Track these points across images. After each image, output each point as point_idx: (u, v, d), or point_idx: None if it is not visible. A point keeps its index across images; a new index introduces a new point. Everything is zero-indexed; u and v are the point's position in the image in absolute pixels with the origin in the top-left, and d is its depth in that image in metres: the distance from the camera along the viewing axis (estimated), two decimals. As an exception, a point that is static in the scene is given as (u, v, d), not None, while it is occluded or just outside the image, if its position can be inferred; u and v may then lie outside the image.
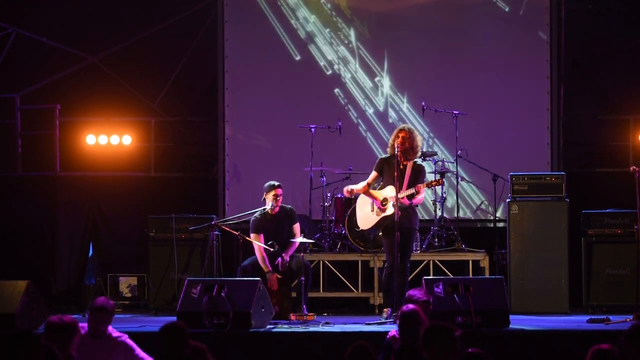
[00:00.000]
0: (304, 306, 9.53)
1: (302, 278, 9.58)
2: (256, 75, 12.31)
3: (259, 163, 12.19)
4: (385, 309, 9.37)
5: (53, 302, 11.15)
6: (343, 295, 10.99)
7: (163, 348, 5.74)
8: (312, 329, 8.78)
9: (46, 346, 5.53)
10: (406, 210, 9.25)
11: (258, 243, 9.77)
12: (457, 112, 11.30)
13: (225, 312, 8.50)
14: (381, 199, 9.38)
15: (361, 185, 9.57)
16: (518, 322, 9.03)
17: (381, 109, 12.12)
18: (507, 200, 10.54)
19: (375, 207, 9.43)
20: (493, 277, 9.76)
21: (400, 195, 9.14)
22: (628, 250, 10.31)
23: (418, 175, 9.37)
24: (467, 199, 11.79)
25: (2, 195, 12.03)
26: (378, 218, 9.41)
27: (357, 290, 10.86)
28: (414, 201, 9.29)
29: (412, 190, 9.20)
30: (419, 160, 9.50)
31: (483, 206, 11.63)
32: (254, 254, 9.91)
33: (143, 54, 12.58)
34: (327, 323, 9.11)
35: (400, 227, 9.07)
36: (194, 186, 12.43)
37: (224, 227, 10.03)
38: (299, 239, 9.80)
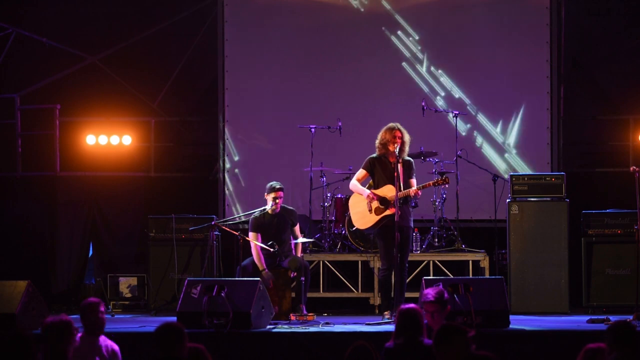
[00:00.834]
0: (304, 306, 9.53)
1: (302, 278, 9.58)
2: (256, 75, 12.31)
3: (259, 163, 12.19)
4: (385, 312, 9.35)
5: (53, 302, 11.15)
6: (343, 295, 10.99)
7: (159, 349, 5.71)
8: (312, 329, 8.78)
9: (45, 347, 5.53)
10: (403, 210, 9.25)
11: (255, 242, 9.77)
12: (457, 112, 11.30)
13: (225, 312, 8.50)
14: (381, 198, 9.37)
15: (357, 183, 9.55)
16: (518, 322, 9.03)
17: (381, 108, 12.10)
18: (507, 200, 10.54)
19: (374, 207, 9.41)
20: (493, 277, 9.75)
21: (400, 195, 9.14)
22: (628, 250, 10.31)
23: (410, 170, 9.41)
24: (468, 199, 11.78)
25: (2, 195, 12.04)
26: (378, 217, 9.40)
27: (357, 291, 10.86)
28: (418, 194, 9.33)
29: (409, 190, 9.19)
30: (406, 156, 9.50)
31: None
32: (254, 254, 9.93)
33: (143, 54, 12.58)
34: (327, 323, 9.11)
35: (400, 227, 9.07)
36: (194, 186, 12.44)
37: (224, 227, 10.04)
38: (302, 239, 9.81)
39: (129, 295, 11.12)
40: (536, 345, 8.38)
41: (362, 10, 12.23)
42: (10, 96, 12.22)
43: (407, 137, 9.38)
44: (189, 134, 12.95)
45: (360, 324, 9.10)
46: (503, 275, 9.93)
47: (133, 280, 11.18)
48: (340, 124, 11.40)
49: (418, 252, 10.79)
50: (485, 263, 10.77)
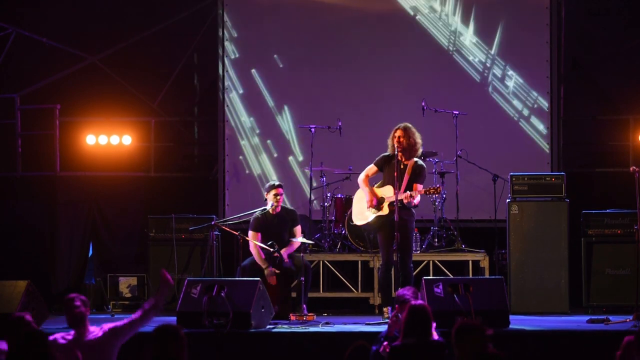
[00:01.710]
0: (304, 306, 9.53)
1: (302, 278, 9.58)
2: (256, 75, 12.30)
3: (259, 163, 12.18)
4: (385, 308, 9.36)
5: (53, 302, 11.14)
6: (343, 295, 10.98)
7: (155, 350, 5.68)
8: (312, 329, 8.78)
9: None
10: (403, 211, 9.23)
11: (254, 241, 9.77)
12: (457, 112, 11.30)
13: (225, 312, 8.50)
14: (379, 197, 9.39)
15: (364, 178, 9.55)
16: (518, 322, 9.03)
17: (380, 108, 12.11)
18: (507, 200, 10.54)
19: (369, 206, 9.42)
20: (493, 277, 9.76)
21: (388, 199, 9.17)
22: (628, 250, 10.30)
23: (418, 175, 9.37)
24: (468, 199, 11.78)
25: (2, 195, 12.03)
26: (373, 216, 9.42)
27: (357, 291, 10.86)
28: (413, 202, 9.28)
29: (409, 194, 9.17)
30: (420, 160, 9.49)
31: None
32: (253, 253, 9.93)
33: (143, 54, 12.58)
34: (327, 323, 9.11)
35: (398, 227, 9.06)
36: (194, 186, 12.43)
37: (223, 227, 10.04)
38: (299, 239, 9.81)
39: (129, 295, 11.12)
40: (536, 345, 8.38)
41: (362, 9, 12.24)
42: (10, 96, 12.21)
43: (414, 138, 9.31)
44: (189, 134, 12.95)
45: (360, 324, 9.10)
46: (503, 275, 9.94)
47: (133, 280, 11.18)
48: (340, 124, 11.40)
49: (418, 252, 10.78)
50: (485, 263, 10.77)
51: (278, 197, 9.86)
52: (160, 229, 11.03)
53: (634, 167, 9.65)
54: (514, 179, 10.56)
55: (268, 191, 9.91)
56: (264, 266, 9.76)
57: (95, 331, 6.60)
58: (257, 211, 9.98)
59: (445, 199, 11.17)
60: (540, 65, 11.96)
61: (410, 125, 9.43)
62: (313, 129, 11.37)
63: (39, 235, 11.93)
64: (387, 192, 9.35)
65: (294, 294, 9.96)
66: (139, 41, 12.56)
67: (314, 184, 11.33)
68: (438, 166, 11.17)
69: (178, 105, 12.84)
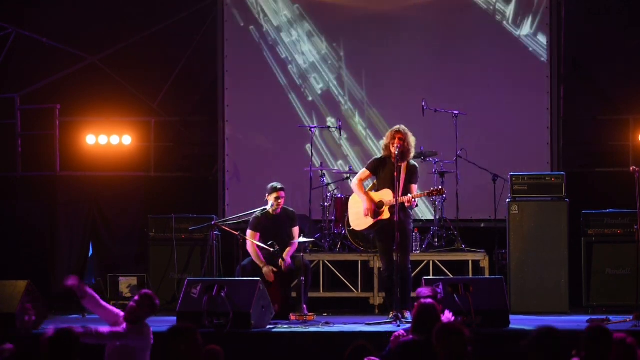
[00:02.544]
0: (304, 306, 9.53)
1: (302, 278, 9.58)
2: (256, 75, 12.31)
3: (259, 163, 12.19)
4: (391, 312, 9.33)
5: (53, 302, 11.14)
6: (343, 295, 10.98)
7: (172, 351, 5.66)
8: (312, 329, 8.79)
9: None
10: (401, 212, 9.23)
11: (252, 240, 9.78)
12: (457, 112, 11.30)
13: (225, 312, 8.50)
14: (377, 202, 9.36)
15: (358, 183, 9.53)
16: (518, 322, 9.03)
17: (381, 108, 12.11)
18: (507, 200, 10.54)
19: (368, 211, 9.40)
20: (493, 277, 9.77)
21: (387, 203, 9.15)
22: (628, 250, 10.31)
23: (412, 175, 9.38)
24: (467, 199, 11.78)
25: (2, 195, 12.03)
26: (373, 221, 9.40)
27: (357, 291, 10.86)
28: (415, 205, 9.31)
29: (403, 199, 9.17)
30: (412, 161, 9.50)
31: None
32: (253, 253, 9.93)
33: (143, 54, 12.58)
34: (327, 323, 9.11)
35: (399, 228, 9.06)
36: (194, 186, 12.43)
37: (223, 227, 10.04)
38: (300, 239, 9.81)
39: (129, 295, 11.10)
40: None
41: (362, 8, 12.24)
42: (10, 96, 12.21)
43: (410, 140, 9.33)
44: (189, 134, 12.95)
45: (360, 324, 9.10)
46: (503, 275, 9.95)
47: (133, 280, 11.18)
48: (340, 124, 11.39)
49: (418, 252, 10.78)
50: (485, 263, 10.77)
51: (279, 201, 9.86)
52: (160, 229, 11.03)
53: (634, 167, 9.65)
54: (514, 179, 10.56)
55: (270, 193, 9.91)
56: (261, 265, 9.77)
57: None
58: (257, 211, 9.98)
59: (445, 199, 11.17)
60: (540, 65, 11.96)
61: (406, 128, 9.44)
62: (313, 129, 11.37)
63: (39, 235, 11.93)
64: (385, 195, 9.32)
65: (294, 294, 9.95)
66: (139, 41, 12.56)
67: (314, 184, 11.33)
68: (438, 166, 11.16)
69: (178, 105, 12.84)
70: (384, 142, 9.46)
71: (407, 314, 9.05)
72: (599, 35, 12.36)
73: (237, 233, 9.68)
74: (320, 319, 9.54)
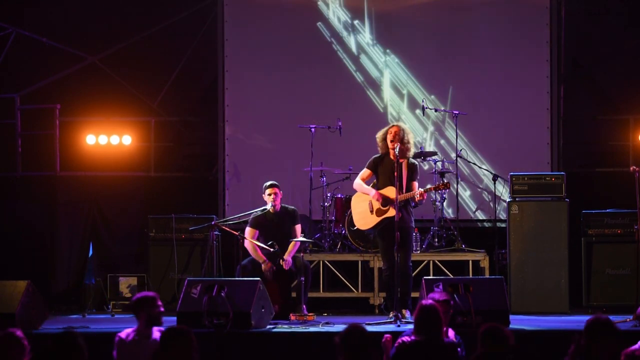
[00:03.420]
0: (304, 306, 9.53)
1: (302, 278, 9.58)
2: (256, 75, 12.31)
3: (259, 163, 12.19)
4: (392, 312, 9.33)
5: (53, 302, 11.15)
6: (343, 295, 10.98)
7: (166, 353, 5.67)
8: (312, 329, 8.79)
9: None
10: (404, 210, 9.24)
11: (251, 240, 9.78)
12: (457, 112, 11.30)
13: (225, 312, 8.50)
14: (382, 199, 9.36)
15: (361, 182, 9.55)
16: (518, 322, 9.04)
17: (381, 109, 12.12)
18: (507, 200, 10.54)
19: (375, 208, 9.42)
20: (493, 277, 9.77)
21: (401, 197, 9.14)
22: (628, 250, 10.32)
23: (413, 172, 9.40)
24: (467, 199, 11.79)
25: (2, 195, 12.03)
26: (379, 219, 9.40)
27: (357, 291, 10.86)
28: (423, 198, 9.33)
29: (413, 193, 9.20)
30: (412, 159, 9.50)
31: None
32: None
33: (143, 54, 12.58)
34: (327, 323, 9.11)
35: (399, 227, 9.06)
36: (194, 186, 12.43)
37: (224, 227, 10.04)
38: (299, 239, 9.81)
39: (129, 295, 11.11)
40: (536, 345, 8.38)
41: (362, 9, 12.24)
42: (10, 96, 12.21)
43: (409, 137, 9.34)
44: (189, 134, 12.94)
45: (360, 324, 9.07)
46: (503, 275, 9.95)
47: (133, 280, 11.18)
48: (340, 124, 11.40)
49: (418, 252, 10.78)
50: (485, 263, 10.77)
51: (273, 197, 9.87)
52: (160, 229, 11.03)
53: (634, 167, 9.65)
54: (514, 179, 10.56)
55: (264, 191, 9.95)
56: (260, 260, 9.78)
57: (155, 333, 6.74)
58: (258, 210, 9.99)
59: (445, 199, 11.18)
60: (540, 65, 11.96)
61: (404, 124, 9.43)
62: (313, 129, 11.37)
63: (39, 235, 11.94)
64: (389, 193, 9.32)
65: (293, 294, 9.96)
66: (139, 41, 12.55)
67: (314, 184, 11.33)
68: (438, 166, 11.16)
69: (178, 105, 12.84)
70: (379, 138, 9.43)
71: (407, 314, 9.05)
72: (599, 35, 12.36)
73: (237, 233, 9.69)
74: (320, 319, 9.54)
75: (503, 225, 10.68)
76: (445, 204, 11.21)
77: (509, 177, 10.63)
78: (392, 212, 9.25)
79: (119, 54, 12.60)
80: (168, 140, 12.78)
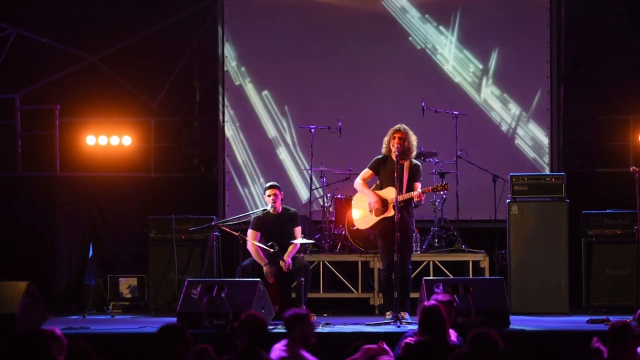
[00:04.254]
0: (304, 307, 9.52)
1: (302, 279, 9.58)
2: (256, 75, 12.31)
3: (259, 163, 12.18)
4: (387, 312, 9.34)
5: (53, 302, 11.15)
6: (343, 295, 10.98)
7: (157, 349, 5.68)
8: (312, 329, 8.77)
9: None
10: (404, 212, 9.24)
11: (252, 241, 9.78)
12: (457, 113, 11.30)
13: (226, 313, 8.50)
14: (383, 199, 9.37)
15: (361, 182, 9.56)
16: (518, 322, 9.04)
17: (381, 108, 12.11)
18: (507, 200, 10.54)
19: (375, 208, 9.42)
20: (493, 277, 9.78)
21: (400, 198, 9.14)
22: (628, 251, 10.32)
23: (415, 174, 9.41)
24: (467, 199, 11.78)
25: (2, 195, 12.03)
26: (378, 219, 9.41)
27: (357, 291, 10.86)
28: (423, 200, 9.33)
29: (412, 194, 9.21)
30: (414, 159, 9.51)
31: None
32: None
33: (143, 54, 12.57)
34: (327, 324, 9.11)
35: (399, 228, 9.07)
36: (194, 186, 12.43)
37: (224, 228, 10.04)
38: (299, 240, 9.81)
39: (129, 295, 11.12)
40: (536, 345, 8.38)
41: (362, 9, 12.24)
42: (10, 96, 12.22)
43: (411, 139, 9.35)
44: (189, 134, 12.94)
45: (360, 324, 9.09)
46: (503, 275, 9.95)
47: (133, 281, 11.18)
48: (340, 124, 11.39)
49: (418, 252, 10.78)
50: (485, 263, 10.77)
51: (273, 198, 9.87)
52: (160, 230, 11.02)
53: (634, 167, 9.66)
54: (514, 179, 10.56)
55: (264, 192, 9.96)
56: (262, 263, 9.78)
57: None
58: (258, 211, 9.99)
59: (445, 199, 11.17)
60: (540, 65, 11.96)
61: (407, 127, 9.45)
62: (313, 129, 11.37)
63: (39, 235, 11.94)
64: (389, 194, 9.34)
65: (293, 295, 9.96)
66: (139, 41, 12.55)
67: (314, 185, 11.32)
68: (438, 166, 11.16)
69: (178, 105, 12.84)
70: (384, 140, 9.47)
71: (406, 315, 9.05)
72: (599, 35, 12.36)
73: (237, 234, 9.69)
74: (321, 319, 9.54)
75: (503, 225, 10.67)
76: (445, 204, 11.21)
77: (509, 177, 10.62)
78: (390, 212, 9.26)
79: (119, 54, 12.60)
80: (168, 140, 12.78)
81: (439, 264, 10.80)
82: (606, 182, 11.81)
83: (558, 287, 10.29)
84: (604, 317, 9.21)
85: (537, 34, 11.98)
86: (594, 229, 10.53)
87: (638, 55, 12.22)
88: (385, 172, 9.44)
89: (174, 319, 8.61)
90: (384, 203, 9.35)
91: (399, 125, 9.44)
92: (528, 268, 10.35)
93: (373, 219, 9.45)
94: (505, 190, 10.75)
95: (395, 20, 12.20)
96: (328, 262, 10.95)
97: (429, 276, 10.00)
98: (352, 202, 9.86)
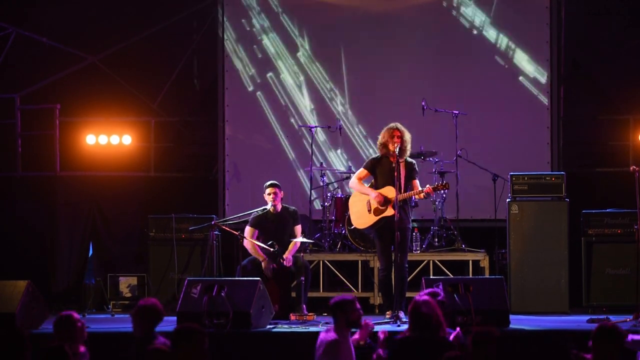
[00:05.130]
0: (304, 306, 9.53)
1: (302, 278, 9.58)
2: (256, 75, 12.31)
3: (259, 163, 12.19)
4: (387, 312, 9.34)
5: (53, 302, 11.14)
6: (343, 295, 10.96)
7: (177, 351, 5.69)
8: (312, 329, 8.78)
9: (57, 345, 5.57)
10: (402, 211, 9.24)
11: (251, 240, 9.78)
12: (457, 112, 11.30)
13: (225, 312, 8.50)
14: (382, 197, 9.36)
15: (357, 181, 9.55)
16: (518, 322, 9.03)
17: (381, 108, 12.12)
18: (507, 200, 10.54)
19: (373, 207, 9.42)
20: (493, 277, 9.76)
21: (400, 197, 9.14)
22: (628, 250, 10.31)
23: (412, 171, 9.42)
24: (467, 198, 11.78)
25: (2, 195, 12.04)
26: (377, 218, 9.40)
27: (357, 290, 10.85)
28: (420, 196, 9.33)
29: (411, 193, 9.22)
30: (409, 158, 9.52)
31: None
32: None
33: (143, 54, 12.58)
34: (327, 323, 9.08)
35: (398, 227, 9.06)
36: (194, 186, 12.43)
37: (223, 227, 10.04)
38: (300, 239, 9.81)
39: (129, 295, 11.12)
40: (536, 345, 8.38)
41: (362, 8, 12.24)
42: (10, 96, 12.22)
43: (407, 137, 9.36)
44: (189, 134, 12.95)
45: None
46: (503, 275, 9.95)
47: (133, 280, 11.19)
48: (340, 123, 11.40)
49: (418, 251, 10.79)
50: (485, 263, 10.77)
51: (272, 197, 9.87)
52: (160, 229, 11.03)
53: (634, 167, 9.65)
54: (514, 178, 10.56)
55: (264, 191, 9.96)
56: (260, 259, 9.78)
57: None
58: (258, 210, 9.99)
59: (445, 199, 11.17)
60: (541, 65, 11.96)
61: (401, 125, 9.43)
62: (313, 129, 11.37)
63: (39, 235, 11.94)
64: (388, 192, 9.33)
65: (293, 294, 9.96)
66: (139, 41, 12.55)
67: (314, 184, 11.33)
68: (438, 166, 11.16)
69: (178, 105, 12.84)
70: (379, 140, 9.44)
71: (402, 315, 9.03)
72: (599, 35, 12.36)
73: (237, 233, 9.69)
74: (320, 319, 9.53)
75: (503, 225, 10.68)
76: (445, 203, 11.20)
77: (509, 177, 10.63)
78: (389, 211, 9.26)
79: (119, 54, 12.60)
80: (168, 140, 12.78)
81: (439, 264, 10.80)
82: (606, 182, 11.81)
83: (558, 287, 10.29)
84: (604, 317, 9.21)
85: (537, 34, 11.98)
86: (594, 228, 10.53)
87: (638, 55, 12.22)
88: (381, 171, 9.42)
89: (174, 319, 8.61)
90: (385, 202, 9.33)
91: (394, 124, 9.41)
92: (528, 267, 10.35)
93: (372, 219, 9.43)
94: (506, 190, 10.76)
95: (395, 18, 12.20)
96: (328, 261, 10.95)
97: (429, 276, 9.99)
98: (349, 202, 9.84)
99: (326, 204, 11.18)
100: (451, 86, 11.99)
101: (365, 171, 9.53)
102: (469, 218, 11.73)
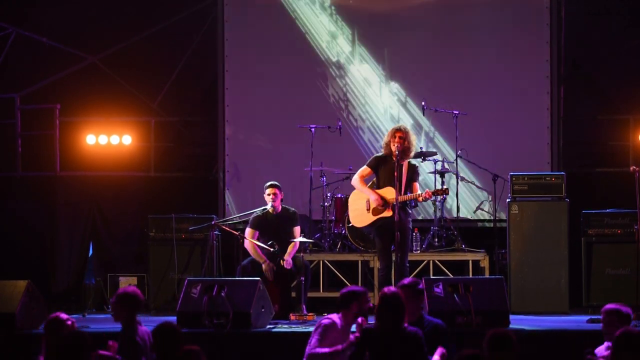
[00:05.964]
0: (304, 306, 9.53)
1: (302, 278, 9.59)
2: (256, 75, 12.31)
3: (259, 163, 12.19)
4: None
5: (53, 302, 11.14)
6: (343, 295, 10.95)
7: (156, 348, 5.74)
8: (312, 329, 8.75)
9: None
10: (401, 211, 9.24)
11: (251, 240, 9.78)
12: (457, 112, 11.30)
13: (225, 312, 8.51)
14: (382, 199, 9.37)
15: (359, 179, 9.56)
16: (518, 322, 9.04)
17: (381, 108, 12.12)
18: (507, 200, 10.54)
19: (372, 206, 9.42)
20: (493, 277, 9.76)
21: (400, 199, 9.15)
22: (628, 250, 10.32)
23: (414, 174, 9.44)
24: (467, 198, 11.79)
25: (2, 195, 12.04)
26: (375, 218, 9.41)
27: (357, 290, 10.83)
28: (419, 199, 9.35)
29: (410, 196, 9.23)
30: (412, 160, 9.53)
31: (483, 206, 11.60)
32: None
33: (143, 54, 12.57)
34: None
35: (398, 227, 9.07)
36: (194, 186, 12.43)
37: (224, 227, 10.04)
38: (299, 239, 9.81)
39: (128, 295, 11.10)
40: (536, 345, 8.38)
41: (362, 8, 12.24)
42: (10, 96, 12.22)
43: (411, 138, 9.36)
44: (189, 134, 12.94)
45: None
46: (503, 275, 9.94)
47: (133, 280, 11.18)
48: (340, 124, 11.40)
49: (418, 251, 10.79)
50: (485, 263, 10.77)
51: (272, 197, 9.87)
52: (160, 229, 11.03)
53: (634, 167, 9.65)
54: (514, 178, 10.56)
55: (264, 191, 9.96)
56: (261, 261, 9.78)
57: None
58: (257, 210, 9.99)
59: (445, 199, 11.17)
60: (540, 65, 11.96)
61: (408, 128, 9.47)
62: (313, 129, 11.37)
63: (39, 235, 11.94)
64: (388, 193, 9.34)
65: (293, 294, 9.96)
66: (139, 41, 12.55)
67: (314, 184, 11.33)
68: (438, 166, 11.16)
69: (178, 105, 12.83)
70: (384, 140, 9.49)
71: None
72: (599, 35, 12.36)
73: (237, 233, 9.69)
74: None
75: (503, 225, 10.67)
76: (445, 203, 11.20)
77: (509, 177, 10.63)
78: (388, 212, 9.27)
79: (119, 54, 12.60)
80: (168, 140, 12.78)
81: (439, 264, 10.80)
82: (606, 182, 11.81)
83: (558, 287, 10.29)
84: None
85: (537, 34, 11.98)
86: (594, 228, 10.53)
87: (638, 55, 12.22)
88: (384, 171, 9.44)
89: (174, 318, 8.61)
90: (383, 202, 9.35)
91: (399, 125, 9.46)
92: (528, 267, 10.35)
93: (370, 218, 9.45)
94: (506, 190, 10.76)
95: (396, 18, 12.20)
96: (328, 261, 10.95)
97: (429, 276, 10.00)
98: (349, 200, 9.86)
99: (326, 204, 11.18)
100: (451, 86, 11.99)
101: (368, 169, 9.54)
102: (469, 218, 11.73)
